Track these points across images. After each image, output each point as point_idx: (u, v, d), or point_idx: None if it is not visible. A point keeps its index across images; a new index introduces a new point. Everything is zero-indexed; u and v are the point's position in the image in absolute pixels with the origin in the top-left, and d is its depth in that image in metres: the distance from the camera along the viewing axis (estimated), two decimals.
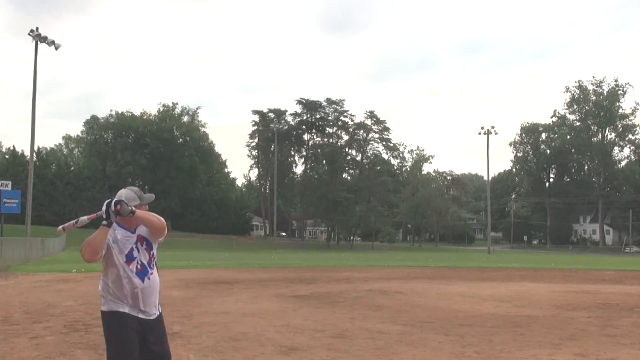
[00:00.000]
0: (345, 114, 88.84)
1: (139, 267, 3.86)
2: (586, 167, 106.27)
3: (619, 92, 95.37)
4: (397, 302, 12.33)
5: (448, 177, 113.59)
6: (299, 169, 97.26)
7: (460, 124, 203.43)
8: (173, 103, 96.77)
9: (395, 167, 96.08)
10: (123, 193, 3.92)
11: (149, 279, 3.89)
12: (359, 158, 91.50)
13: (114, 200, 3.62)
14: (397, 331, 8.47)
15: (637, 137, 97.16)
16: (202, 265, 26.37)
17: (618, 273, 25.13)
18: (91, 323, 8.88)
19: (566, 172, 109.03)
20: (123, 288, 3.83)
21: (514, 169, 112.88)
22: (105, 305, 3.86)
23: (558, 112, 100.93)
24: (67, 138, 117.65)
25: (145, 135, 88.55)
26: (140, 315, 3.86)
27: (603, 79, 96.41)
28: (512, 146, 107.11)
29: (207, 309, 10.75)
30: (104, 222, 3.60)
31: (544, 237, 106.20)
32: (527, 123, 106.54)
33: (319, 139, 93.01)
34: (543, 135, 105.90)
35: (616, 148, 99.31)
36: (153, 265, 3.97)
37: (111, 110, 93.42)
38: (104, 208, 3.60)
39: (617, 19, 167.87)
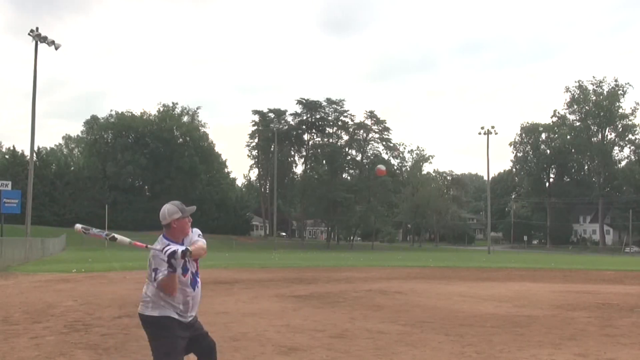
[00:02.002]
0: (345, 114, 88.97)
1: (191, 277, 4.13)
2: (586, 167, 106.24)
3: (619, 92, 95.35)
4: (397, 302, 12.33)
5: (448, 177, 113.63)
6: (299, 169, 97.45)
7: (460, 124, 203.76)
8: (173, 103, 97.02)
9: (395, 167, 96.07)
10: (166, 208, 4.08)
11: (198, 287, 4.21)
12: (359, 158, 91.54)
13: (180, 250, 3.76)
14: (397, 331, 8.47)
15: (637, 137, 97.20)
16: (202, 265, 26.05)
17: (618, 273, 25.13)
18: (91, 323, 8.88)
19: (566, 172, 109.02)
20: (176, 297, 4.03)
21: (514, 169, 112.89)
22: (157, 310, 4.00)
23: (558, 112, 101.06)
24: (67, 138, 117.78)
25: (145, 135, 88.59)
26: (183, 320, 4.07)
27: (603, 79, 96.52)
28: (512, 146, 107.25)
29: (207, 309, 10.73)
30: (170, 270, 3.78)
31: (544, 237, 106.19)
32: (527, 123, 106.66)
33: (319, 139, 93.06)
34: (543, 135, 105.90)
35: (616, 148, 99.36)
36: (198, 274, 4.28)
37: (111, 110, 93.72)
38: (165, 257, 3.74)
39: (617, 19, 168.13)
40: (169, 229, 4.07)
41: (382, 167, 16.57)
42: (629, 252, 79.41)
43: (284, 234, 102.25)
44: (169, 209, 4.07)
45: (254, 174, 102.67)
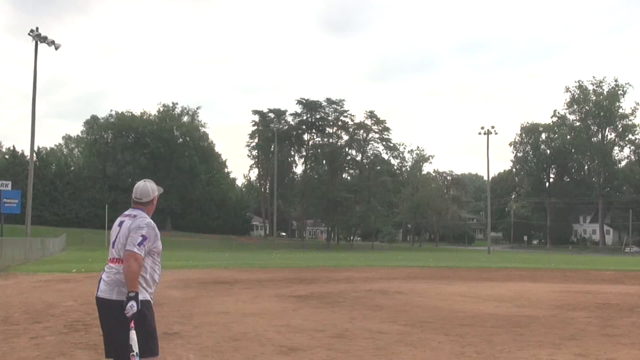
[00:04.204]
0: (345, 114, 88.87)
1: None
2: (586, 167, 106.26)
3: (619, 92, 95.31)
4: (397, 302, 12.32)
5: (448, 177, 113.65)
6: (299, 169, 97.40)
7: (460, 124, 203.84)
8: (173, 103, 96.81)
9: (395, 167, 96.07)
10: (149, 185, 4.05)
11: None
12: (359, 158, 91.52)
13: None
14: (397, 331, 8.47)
15: (637, 137, 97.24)
16: (202, 265, 26.36)
17: (618, 273, 25.14)
18: (91, 323, 8.87)
19: (566, 172, 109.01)
20: (155, 275, 3.97)
21: (514, 169, 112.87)
22: (143, 294, 3.84)
23: (558, 112, 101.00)
24: (67, 138, 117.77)
25: (145, 135, 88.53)
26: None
27: (603, 79, 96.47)
28: (512, 146, 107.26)
29: (207, 309, 10.74)
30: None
31: (544, 237, 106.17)
32: (527, 123, 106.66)
33: (319, 139, 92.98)
34: (543, 135, 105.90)
35: (616, 148, 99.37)
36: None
37: (111, 110, 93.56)
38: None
39: (617, 19, 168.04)
40: (149, 206, 4.01)
41: None
42: (629, 252, 79.43)
43: (284, 234, 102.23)
44: (152, 186, 4.03)
45: (254, 174, 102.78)
